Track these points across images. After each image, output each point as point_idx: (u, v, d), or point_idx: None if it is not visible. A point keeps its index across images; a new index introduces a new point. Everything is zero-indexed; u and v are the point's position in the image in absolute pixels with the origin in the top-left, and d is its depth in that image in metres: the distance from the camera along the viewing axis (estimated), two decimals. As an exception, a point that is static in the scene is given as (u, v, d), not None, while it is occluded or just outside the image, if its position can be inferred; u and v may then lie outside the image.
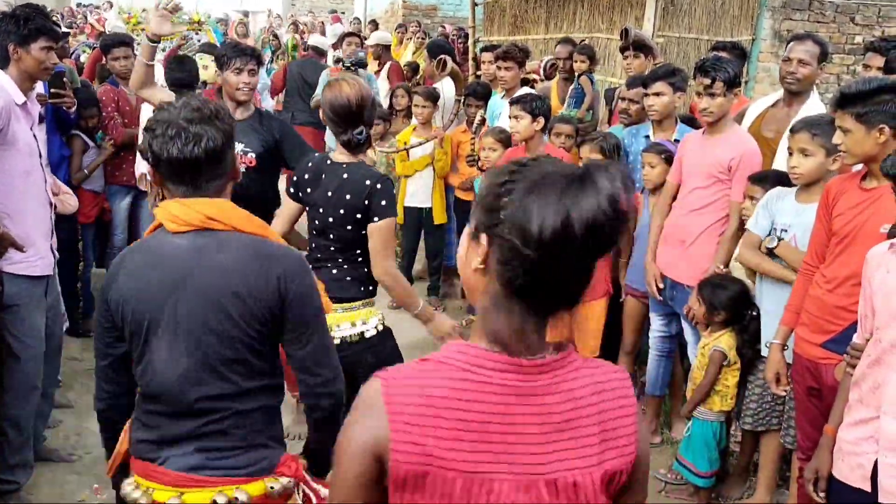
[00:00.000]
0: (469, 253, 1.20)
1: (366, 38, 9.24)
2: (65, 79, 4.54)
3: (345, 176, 2.85)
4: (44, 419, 3.64)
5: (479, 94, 5.66)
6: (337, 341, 2.76)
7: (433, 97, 5.64)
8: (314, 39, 8.87)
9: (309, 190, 2.93)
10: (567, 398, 1.17)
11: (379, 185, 2.83)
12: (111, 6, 16.49)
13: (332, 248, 2.91)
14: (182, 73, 4.69)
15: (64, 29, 6.40)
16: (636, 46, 5.22)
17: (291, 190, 3.00)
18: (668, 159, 3.82)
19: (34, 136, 3.23)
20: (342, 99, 2.83)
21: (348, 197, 2.82)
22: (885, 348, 2.17)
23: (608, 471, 1.18)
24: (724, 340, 3.32)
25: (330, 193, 2.86)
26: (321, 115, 3.06)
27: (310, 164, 2.98)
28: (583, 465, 1.17)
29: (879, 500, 2.16)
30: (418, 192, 5.62)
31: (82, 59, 8.62)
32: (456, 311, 5.89)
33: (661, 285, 3.77)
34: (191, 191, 1.91)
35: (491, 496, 1.14)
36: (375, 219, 2.81)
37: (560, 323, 1.18)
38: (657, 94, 3.94)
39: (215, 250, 1.88)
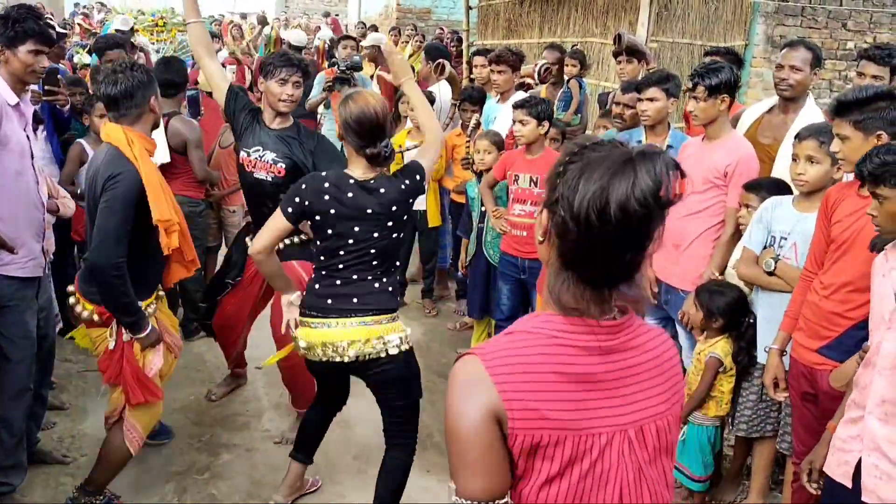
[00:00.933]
0: (538, 226, 1.33)
1: (361, 41, 9.25)
2: (59, 75, 4.54)
3: (382, 191, 2.83)
4: (37, 421, 3.63)
5: (474, 98, 5.67)
6: (384, 354, 2.89)
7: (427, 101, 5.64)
8: (292, 35, 8.81)
9: (332, 211, 2.80)
10: (641, 352, 1.33)
11: (411, 180, 2.90)
12: (104, 7, 16.43)
13: (374, 263, 2.88)
14: (170, 75, 4.64)
15: (59, 30, 6.33)
16: (629, 52, 5.24)
17: (293, 214, 2.84)
18: None
19: (28, 136, 3.22)
20: (370, 112, 2.77)
21: (395, 209, 2.84)
22: (874, 350, 2.21)
23: (675, 413, 1.36)
24: (720, 347, 3.33)
25: (370, 210, 2.81)
26: (337, 129, 3.04)
27: (325, 185, 2.82)
28: (661, 410, 1.33)
29: (862, 499, 2.20)
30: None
31: (75, 59, 8.60)
32: (450, 314, 5.90)
33: (656, 289, 3.79)
34: (114, 117, 3.08)
35: (594, 449, 1.26)
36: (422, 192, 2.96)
37: (621, 296, 1.29)
38: (651, 100, 3.96)
39: (101, 155, 3.07)
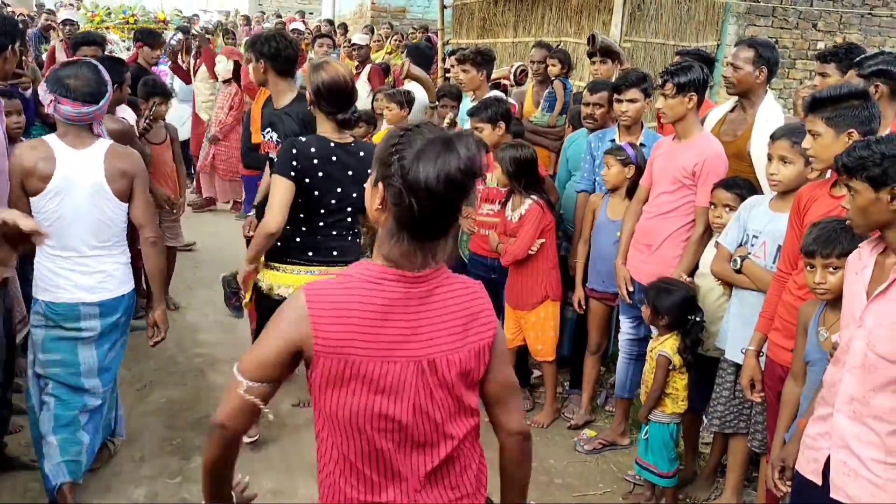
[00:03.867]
0: (372, 196, 1.61)
1: (338, 40, 9.19)
2: (24, 56, 4.48)
3: (361, 154, 3.14)
4: (3, 425, 3.55)
5: (452, 94, 5.66)
6: None
7: (399, 99, 5.61)
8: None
9: (321, 174, 3.10)
10: (440, 299, 1.63)
11: None
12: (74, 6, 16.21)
13: (350, 220, 3.25)
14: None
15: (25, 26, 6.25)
16: (603, 52, 5.26)
17: (294, 174, 3.11)
18: (624, 162, 3.90)
19: (4, 135, 3.14)
20: (339, 79, 3.00)
21: (370, 171, 2.96)
22: (843, 348, 2.23)
23: (473, 349, 1.65)
24: (669, 345, 3.37)
25: (351, 172, 3.12)
26: (308, 96, 3.19)
27: (312, 150, 3.11)
28: (451, 347, 1.62)
29: (831, 496, 2.22)
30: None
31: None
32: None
33: (631, 288, 3.80)
34: None
35: (389, 374, 1.58)
36: None
37: (439, 248, 1.60)
38: (631, 101, 3.97)
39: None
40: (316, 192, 3.12)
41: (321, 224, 3.18)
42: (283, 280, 3.27)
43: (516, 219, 4.08)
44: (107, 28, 11.50)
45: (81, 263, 3.12)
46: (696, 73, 3.53)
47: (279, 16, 15.56)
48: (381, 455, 1.61)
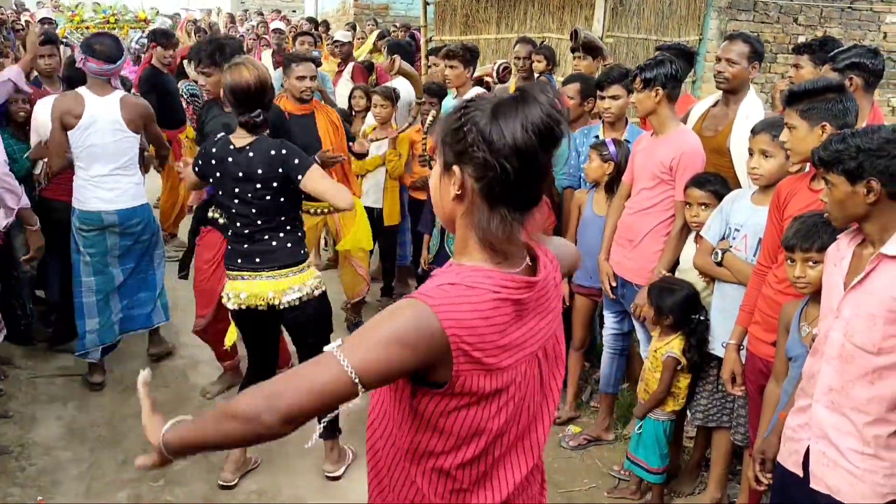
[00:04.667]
0: (443, 187, 1.46)
1: (320, 37, 9.14)
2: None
3: (251, 154, 3.13)
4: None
5: (433, 91, 5.64)
6: (297, 301, 3.27)
7: (389, 96, 5.59)
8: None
9: (218, 174, 3.19)
10: (545, 288, 1.51)
11: (284, 151, 3.12)
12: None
13: (260, 222, 3.20)
14: (70, 72, 4.79)
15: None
16: (586, 48, 5.25)
17: (197, 169, 3.28)
18: (604, 158, 3.90)
19: None
20: (242, 82, 3.04)
21: (260, 171, 3.11)
22: (821, 339, 2.24)
23: (560, 325, 1.60)
24: (675, 345, 3.34)
25: (241, 174, 3.13)
26: (222, 96, 3.35)
27: (213, 150, 3.21)
28: (554, 327, 1.56)
29: (811, 486, 2.23)
30: (370, 192, 5.57)
31: None
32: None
33: (615, 283, 3.80)
34: None
35: (517, 378, 1.46)
36: (300, 177, 3.11)
37: (532, 223, 1.46)
38: (614, 97, 3.97)
39: None
40: (220, 192, 3.24)
41: (238, 224, 3.24)
42: (229, 287, 3.32)
43: None
44: (87, 27, 11.41)
45: (104, 181, 4.15)
46: (665, 67, 3.52)
47: (261, 13, 15.47)
48: (486, 459, 1.50)
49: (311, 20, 12.60)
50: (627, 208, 3.74)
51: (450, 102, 5.57)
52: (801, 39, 8.09)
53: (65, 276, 4.52)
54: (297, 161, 3.12)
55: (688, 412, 3.55)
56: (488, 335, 1.39)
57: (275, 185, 3.14)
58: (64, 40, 9.70)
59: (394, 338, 1.34)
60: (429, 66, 7.29)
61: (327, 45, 9.29)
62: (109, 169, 4.15)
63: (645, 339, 3.75)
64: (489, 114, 1.36)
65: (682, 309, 3.32)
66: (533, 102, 1.36)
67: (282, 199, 3.19)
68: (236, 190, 3.17)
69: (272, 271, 3.23)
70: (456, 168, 1.40)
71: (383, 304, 5.76)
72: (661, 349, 3.38)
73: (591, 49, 5.24)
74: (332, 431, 3.57)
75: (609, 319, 4.02)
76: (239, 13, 17.74)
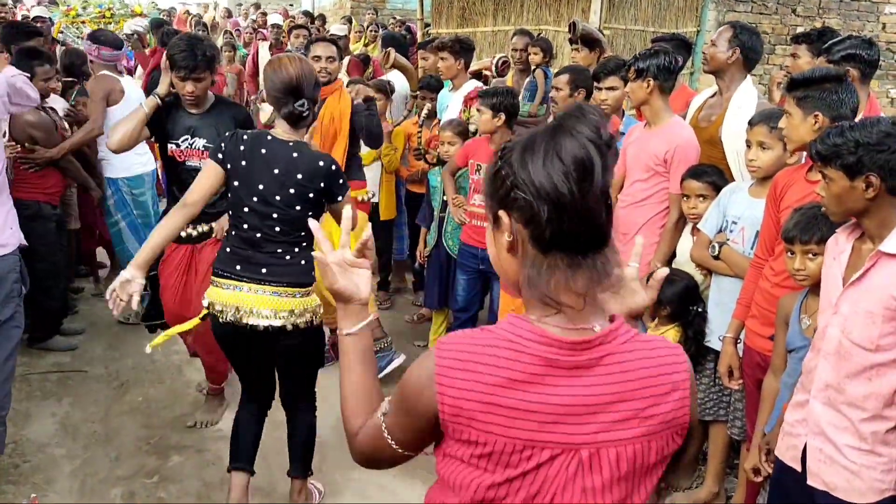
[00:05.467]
0: (496, 240, 1.30)
1: (317, 31, 9.09)
2: None
3: (294, 154, 2.83)
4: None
5: (431, 86, 5.61)
6: (291, 327, 2.91)
7: (383, 89, 5.56)
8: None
9: (243, 162, 2.84)
10: (610, 372, 1.23)
11: (334, 167, 2.88)
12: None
13: (278, 229, 2.87)
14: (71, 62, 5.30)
15: None
16: (584, 40, 5.22)
17: (220, 156, 2.87)
18: None
19: None
20: (284, 73, 2.82)
21: (300, 176, 2.82)
22: (819, 334, 2.22)
23: (658, 441, 1.25)
24: (670, 336, 3.32)
25: (277, 171, 2.82)
26: (265, 96, 3.11)
27: (244, 137, 2.88)
28: (628, 436, 1.23)
29: (808, 482, 2.22)
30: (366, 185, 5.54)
31: None
32: (406, 305, 5.84)
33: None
34: None
35: (531, 460, 1.21)
36: (339, 199, 2.91)
37: (602, 267, 1.23)
38: (610, 89, 3.94)
39: None
40: (236, 183, 2.85)
41: (246, 227, 2.86)
42: (217, 296, 2.93)
43: None
44: (82, 22, 11.34)
45: (137, 149, 4.59)
46: (658, 58, 3.51)
47: (258, 6, 15.40)
48: None
49: (307, 14, 12.54)
50: (620, 201, 3.71)
51: (446, 96, 5.54)
52: (800, 30, 8.05)
53: (44, 276, 4.45)
54: (341, 181, 2.90)
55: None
56: (486, 387, 1.21)
57: (310, 196, 2.85)
58: (60, 36, 9.67)
59: (400, 405, 1.32)
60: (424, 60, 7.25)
61: (330, 34, 9.25)
62: None
63: (640, 331, 3.73)
64: (520, 150, 1.22)
65: (680, 299, 3.30)
66: (566, 131, 1.20)
67: (310, 214, 2.86)
68: (261, 187, 2.82)
69: (279, 287, 2.87)
70: (503, 215, 1.25)
71: (380, 299, 5.74)
72: None
73: (589, 41, 5.21)
74: (302, 469, 3.28)
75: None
76: (240, 7, 17.68)
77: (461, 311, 4.50)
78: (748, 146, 3.11)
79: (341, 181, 2.90)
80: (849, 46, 3.42)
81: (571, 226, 1.19)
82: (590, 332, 1.23)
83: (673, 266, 3.52)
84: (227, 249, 2.95)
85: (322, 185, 2.84)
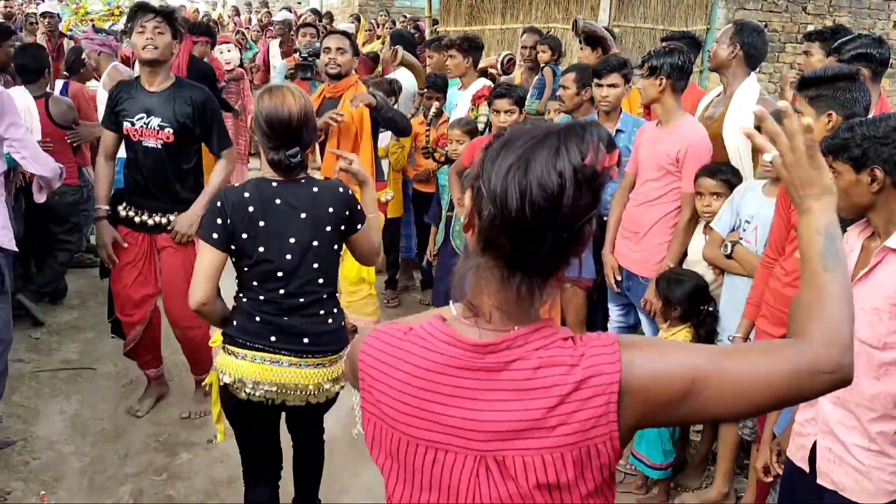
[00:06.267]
0: (464, 210, 1.21)
1: (323, 29, 9.09)
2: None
3: (315, 190, 2.46)
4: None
5: (437, 85, 5.59)
6: (332, 395, 2.59)
7: (385, 88, 5.54)
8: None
9: (262, 223, 2.40)
10: (515, 378, 1.14)
11: (350, 192, 2.52)
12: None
13: (322, 281, 2.48)
14: (24, 60, 4.95)
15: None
16: (588, 40, 5.21)
17: (217, 236, 2.39)
18: None
19: None
20: (283, 112, 2.37)
21: (331, 210, 2.45)
22: None
23: (573, 451, 1.13)
24: (682, 336, 3.30)
25: (304, 215, 2.42)
26: (250, 125, 2.83)
27: (245, 195, 2.41)
28: (534, 444, 1.12)
29: (817, 482, 2.20)
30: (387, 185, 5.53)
31: None
32: (414, 303, 5.84)
33: (619, 277, 3.77)
34: None
35: (435, 465, 1.17)
36: (359, 227, 2.54)
37: (535, 288, 1.15)
38: (612, 86, 3.93)
39: None
40: (262, 249, 2.40)
41: (282, 293, 2.44)
42: (243, 371, 2.46)
43: None
44: (91, 20, 11.38)
45: None
46: (672, 57, 3.49)
47: (266, 4, 15.43)
48: None
49: (316, 12, 12.55)
50: (632, 200, 3.70)
51: (455, 94, 5.53)
52: (810, 28, 8.03)
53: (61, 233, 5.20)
54: (359, 207, 2.54)
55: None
56: (398, 383, 1.19)
57: (342, 228, 2.48)
58: (69, 32, 9.70)
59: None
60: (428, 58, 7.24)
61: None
62: None
63: (652, 332, 3.71)
64: (501, 142, 1.13)
65: (690, 300, 3.28)
66: (551, 145, 1.08)
67: (340, 254, 2.54)
68: (292, 241, 2.41)
69: (323, 357, 2.50)
70: (468, 194, 1.17)
71: (387, 297, 5.74)
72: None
73: (592, 40, 5.20)
74: (311, 498, 2.96)
75: (614, 312, 3.98)
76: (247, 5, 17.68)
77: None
78: None
79: (359, 207, 2.55)
80: (859, 45, 3.40)
81: (506, 240, 1.10)
82: (503, 334, 1.16)
83: (685, 265, 3.51)
84: (256, 319, 2.46)
85: (347, 213, 2.49)
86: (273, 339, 2.45)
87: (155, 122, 3.54)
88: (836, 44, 3.56)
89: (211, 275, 2.41)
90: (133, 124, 3.58)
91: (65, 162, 4.79)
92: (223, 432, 2.80)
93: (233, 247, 2.41)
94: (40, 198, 3.89)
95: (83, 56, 5.67)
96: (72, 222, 5.26)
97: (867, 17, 8.76)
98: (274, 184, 2.44)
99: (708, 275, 3.38)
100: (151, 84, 3.59)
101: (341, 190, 2.50)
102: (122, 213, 3.73)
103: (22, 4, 12.63)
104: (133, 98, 3.59)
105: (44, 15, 8.67)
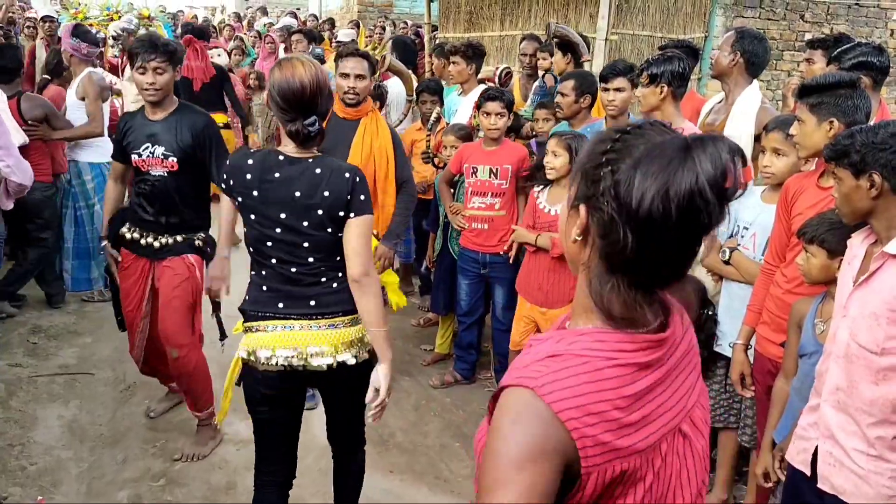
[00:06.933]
0: (568, 223, 1.18)
1: (321, 35, 9.12)
2: None
3: (318, 171, 2.45)
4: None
5: (431, 88, 5.60)
6: (351, 361, 2.55)
7: (372, 93, 5.53)
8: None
9: (255, 193, 2.45)
10: (680, 354, 1.21)
11: (358, 178, 2.48)
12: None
13: (312, 259, 2.49)
14: (3, 61, 5.03)
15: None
16: (560, 45, 5.23)
17: (223, 186, 2.56)
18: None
19: None
20: (294, 83, 2.40)
21: (327, 194, 2.44)
22: (830, 337, 2.23)
23: (705, 390, 1.30)
24: None
25: (299, 193, 2.43)
26: (266, 101, 2.86)
27: (249, 162, 2.48)
28: (697, 395, 1.25)
29: (818, 486, 2.21)
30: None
31: None
32: (412, 309, 5.83)
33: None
34: None
35: (657, 461, 1.16)
36: (352, 214, 2.47)
37: (669, 295, 1.20)
38: (618, 90, 3.93)
39: None
40: (252, 216, 2.48)
41: (275, 262, 2.50)
42: (259, 343, 2.53)
43: (557, 211, 3.94)
44: (90, 25, 11.38)
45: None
46: (673, 64, 3.50)
47: (265, 11, 15.44)
48: None
49: (316, 18, 12.58)
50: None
51: (455, 100, 5.54)
52: (808, 36, 8.05)
53: (34, 229, 5.24)
54: (363, 197, 2.48)
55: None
56: (613, 412, 1.09)
57: (340, 214, 2.46)
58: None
59: (518, 458, 1.06)
60: (431, 65, 7.25)
61: (335, 44, 9.28)
62: None
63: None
64: (633, 160, 1.06)
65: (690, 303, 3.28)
66: (692, 165, 1.02)
67: (339, 235, 2.50)
68: (283, 215, 2.45)
69: (334, 318, 2.52)
70: (583, 209, 1.14)
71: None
72: None
73: (564, 45, 5.22)
74: None
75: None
76: (247, 11, 17.71)
77: (465, 316, 4.51)
78: (763, 152, 3.10)
79: (363, 197, 2.48)
80: (860, 54, 3.41)
81: (648, 262, 1.09)
82: (662, 332, 1.18)
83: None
84: (263, 288, 2.55)
85: (348, 197, 2.45)
86: (281, 305, 2.52)
87: (159, 150, 3.50)
88: (835, 52, 3.57)
89: (227, 220, 3.22)
90: (140, 155, 3.53)
91: (38, 159, 4.98)
92: (225, 412, 2.87)
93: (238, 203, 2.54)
94: (7, 204, 3.89)
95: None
96: (44, 217, 5.22)
97: (864, 25, 8.79)
98: (281, 157, 2.47)
99: (708, 281, 3.38)
100: (154, 113, 3.56)
101: (348, 175, 2.46)
102: (128, 236, 3.65)
103: (22, 10, 12.63)
104: (137, 129, 3.55)
105: (44, 20, 8.69)
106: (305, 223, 2.45)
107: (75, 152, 5.42)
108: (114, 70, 8.32)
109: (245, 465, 3.65)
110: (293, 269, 2.50)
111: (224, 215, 3.39)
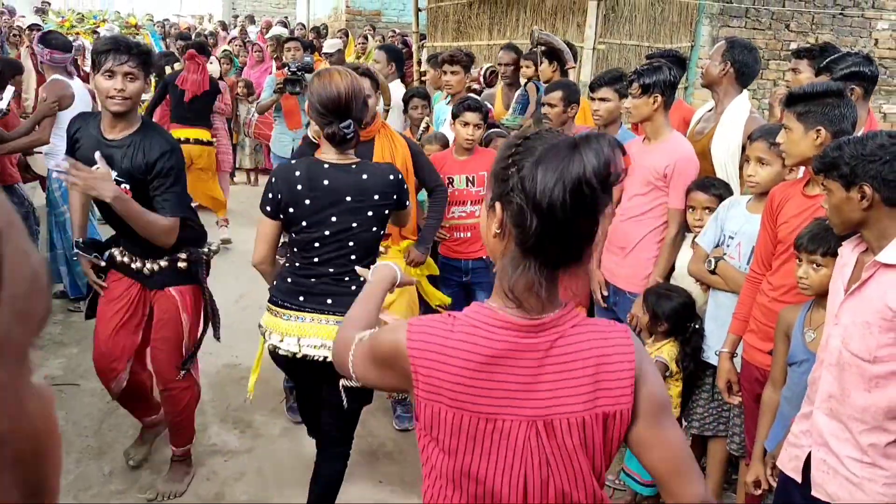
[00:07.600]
0: (488, 222, 1.40)
1: (311, 44, 9.12)
2: None
3: (364, 177, 2.68)
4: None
5: (421, 94, 5.60)
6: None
7: None
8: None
9: (308, 201, 2.65)
10: (563, 351, 1.38)
11: (400, 177, 2.78)
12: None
13: (353, 257, 2.71)
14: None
15: None
16: (547, 53, 5.25)
17: (272, 212, 2.69)
18: None
19: None
20: (332, 90, 2.62)
21: (377, 197, 2.69)
22: (822, 345, 2.23)
23: (604, 412, 1.38)
24: (666, 351, 3.31)
25: (349, 198, 2.66)
26: (306, 110, 2.77)
27: (296, 174, 2.66)
28: (578, 409, 1.37)
29: (812, 493, 2.22)
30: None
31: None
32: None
33: (606, 292, 3.77)
34: None
35: (494, 433, 1.38)
36: (408, 203, 2.85)
37: (570, 280, 1.39)
38: (602, 100, 3.94)
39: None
40: (304, 223, 2.68)
41: (315, 260, 2.72)
42: (274, 325, 2.82)
43: None
44: (77, 33, 11.35)
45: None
46: (664, 74, 3.51)
47: (252, 20, 15.43)
48: None
49: (304, 27, 12.59)
50: (619, 215, 3.71)
51: (442, 108, 5.54)
52: (793, 46, 8.11)
53: None
54: (406, 187, 2.80)
55: (683, 422, 3.52)
56: (456, 368, 1.36)
57: (386, 212, 2.75)
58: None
59: (372, 355, 1.52)
60: (423, 73, 7.26)
61: (322, 53, 9.28)
62: None
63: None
64: (534, 159, 1.29)
65: (678, 316, 3.29)
66: (580, 156, 1.25)
67: (381, 232, 2.80)
68: (334, 219, 2.66)
69: (342, 316, 2.59)
70: (498, 206, 1.36)
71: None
72: (651, 354, 3.35)
73: (549, 52, 5.25)
74: None
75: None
76: (231, 19, 17.69)
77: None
78: (747, 161, 3.11)
79: (406, 187, 2.81)
80: (851, 64, 3.44)
81: (554, 242, 1.31)
82: (546, 316, 1.38)
83: (672, 280, 3.52)
84: (289, 280, 2.79)
85: (395, 196, 2.75)
86: (301, 298, 2.76)
87: (113, 174, 2.98)
88: (825, 62, 3.59)
89: (268, 239, 2.77)
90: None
91: None
92: (254, 383, 3.15)
93: (281, 216, 2.70)
94: None
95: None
96: None
97: (849, 34, 8.86)
98: (326, 165, 2.69)
99: (696, 290, 3.39)
100: (112, 131, 3.08)
101: (391, 177, 2.74)
102: (118, 259, 3.31)
103: (7, 17, 12.57)
104: (88, 145, 3.09)
105: (30, 28, 8.65)
106: (355, 224, 2.70)
107: (47, 160, 5.45)
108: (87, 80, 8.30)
109: (234, 476, 3.62)
110: (331, 270, 2.73)
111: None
